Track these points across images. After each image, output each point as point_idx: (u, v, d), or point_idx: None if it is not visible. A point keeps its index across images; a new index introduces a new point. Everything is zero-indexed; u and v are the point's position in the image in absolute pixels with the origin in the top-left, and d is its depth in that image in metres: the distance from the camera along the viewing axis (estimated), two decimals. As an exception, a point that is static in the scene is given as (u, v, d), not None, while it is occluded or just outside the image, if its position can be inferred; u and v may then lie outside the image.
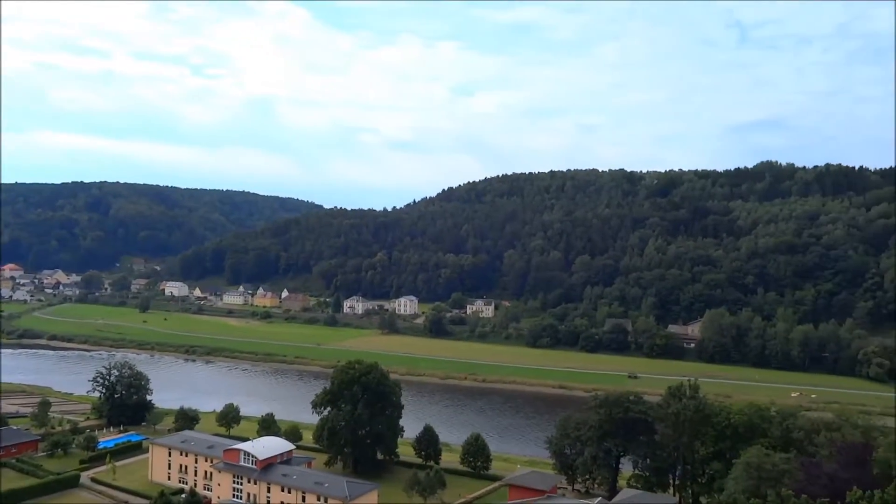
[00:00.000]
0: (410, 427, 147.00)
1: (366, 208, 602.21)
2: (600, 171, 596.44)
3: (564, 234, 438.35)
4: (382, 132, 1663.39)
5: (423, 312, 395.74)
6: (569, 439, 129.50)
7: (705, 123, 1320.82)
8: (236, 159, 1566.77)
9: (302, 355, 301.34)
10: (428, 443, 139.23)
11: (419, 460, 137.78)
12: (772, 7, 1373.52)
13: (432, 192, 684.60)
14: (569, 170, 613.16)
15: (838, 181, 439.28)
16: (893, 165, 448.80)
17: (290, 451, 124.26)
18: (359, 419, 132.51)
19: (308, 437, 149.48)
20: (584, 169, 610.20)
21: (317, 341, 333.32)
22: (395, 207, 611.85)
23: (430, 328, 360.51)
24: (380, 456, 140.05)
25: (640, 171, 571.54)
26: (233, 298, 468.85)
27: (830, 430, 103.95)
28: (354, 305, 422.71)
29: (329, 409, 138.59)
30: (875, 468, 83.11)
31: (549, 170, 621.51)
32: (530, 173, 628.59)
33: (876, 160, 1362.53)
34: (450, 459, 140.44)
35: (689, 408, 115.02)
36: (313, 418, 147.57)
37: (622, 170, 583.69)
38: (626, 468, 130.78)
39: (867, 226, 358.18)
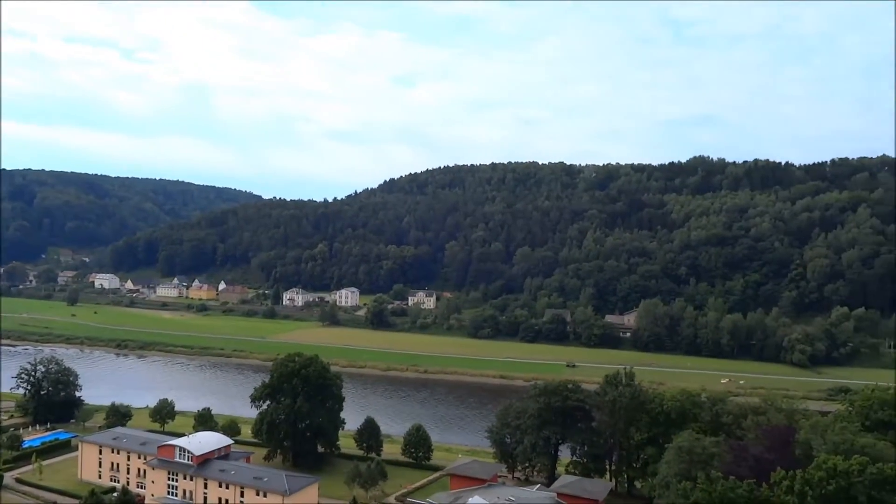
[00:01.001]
0: (352, 419, 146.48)
1: (306, 199, 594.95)
2: (541, 163, 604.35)
3: (505, 226, 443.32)
4: (323, 122, 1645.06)
5: (364, 304, 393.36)
6: (509, 428, 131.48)
7: (642, 118, 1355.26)
8: (170, 147, 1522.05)
9: (240, 348, 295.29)
10: (369, 435, 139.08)
11: (360, 452, 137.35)
12: (704, 7, 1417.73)
13: (374, 184, 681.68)
14: (510, 162, 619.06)
15: (766, 176, 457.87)
16: (817, 161, 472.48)
17: (228, 446, 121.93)
18: (299, 412, 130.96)
19: (247, 432, 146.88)
20: (524, 161, 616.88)
21: (256, 334, 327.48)
22: (336, 198, 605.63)
23: (372, 320, 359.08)
24: (320, 449, 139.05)
25: (580, 165, 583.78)
26: (167, 291, 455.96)
27: (757, 414, 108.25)
28: (294, 297, 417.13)
29: (268, 402, 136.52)
30: (797, 449, 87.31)
31: (490, 162, 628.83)
32: (472, 165, 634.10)
33: (801, 156, 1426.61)
34: (391, 451, 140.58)
35: (624, 395, 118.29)
36: (252, 412, 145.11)
37: (562, 163, 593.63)
38: (565, 455, 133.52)
39: (792, 219, 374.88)
